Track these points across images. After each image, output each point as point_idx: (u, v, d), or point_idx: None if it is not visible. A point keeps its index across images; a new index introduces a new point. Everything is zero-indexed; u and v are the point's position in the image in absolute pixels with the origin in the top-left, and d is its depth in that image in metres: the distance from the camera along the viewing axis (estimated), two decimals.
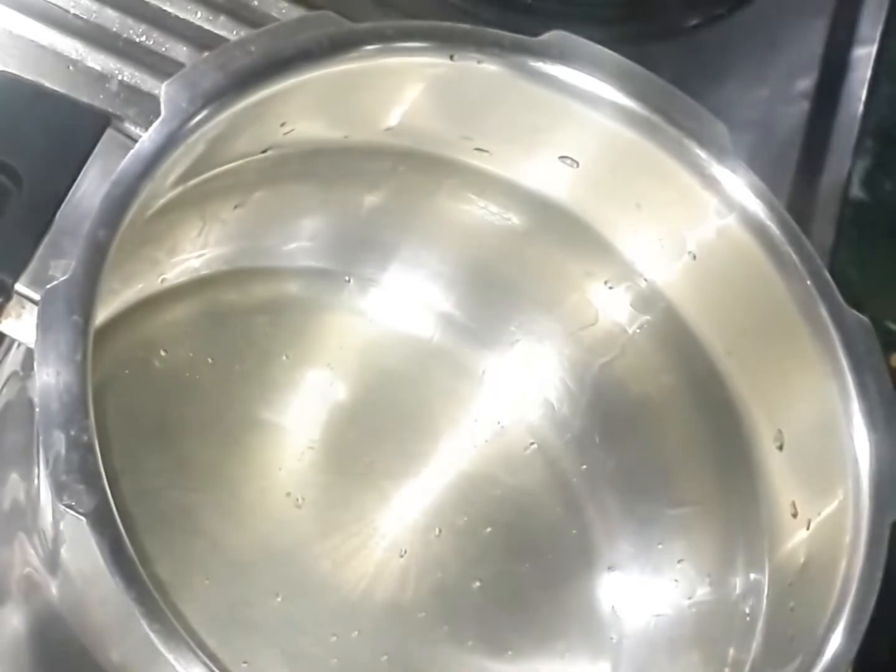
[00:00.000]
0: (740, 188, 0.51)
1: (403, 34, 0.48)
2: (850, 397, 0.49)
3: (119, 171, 0.43)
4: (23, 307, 0.45)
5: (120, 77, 0.60)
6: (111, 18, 0.61)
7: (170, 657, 0.39)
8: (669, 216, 0.53)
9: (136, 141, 0.44)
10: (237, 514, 0.54)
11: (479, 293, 0.59)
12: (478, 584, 0.56)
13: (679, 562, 0.56)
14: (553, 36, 0.50)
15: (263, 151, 0.51)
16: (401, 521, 0.56)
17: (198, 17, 0.62)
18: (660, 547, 0.57)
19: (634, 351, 0.57)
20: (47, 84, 0.57)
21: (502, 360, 0.60)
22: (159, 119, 0.44)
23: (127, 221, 0.42)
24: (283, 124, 0.49)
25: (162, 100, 0.44)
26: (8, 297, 0.44)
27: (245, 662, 0.52)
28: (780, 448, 0.52)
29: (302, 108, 0.49)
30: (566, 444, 0.59)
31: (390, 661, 0.54)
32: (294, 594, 0.53)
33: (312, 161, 0.53)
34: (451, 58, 0.49)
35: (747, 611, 0.52)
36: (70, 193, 0.46)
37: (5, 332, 0.45)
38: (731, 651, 0.52)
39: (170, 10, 0.62)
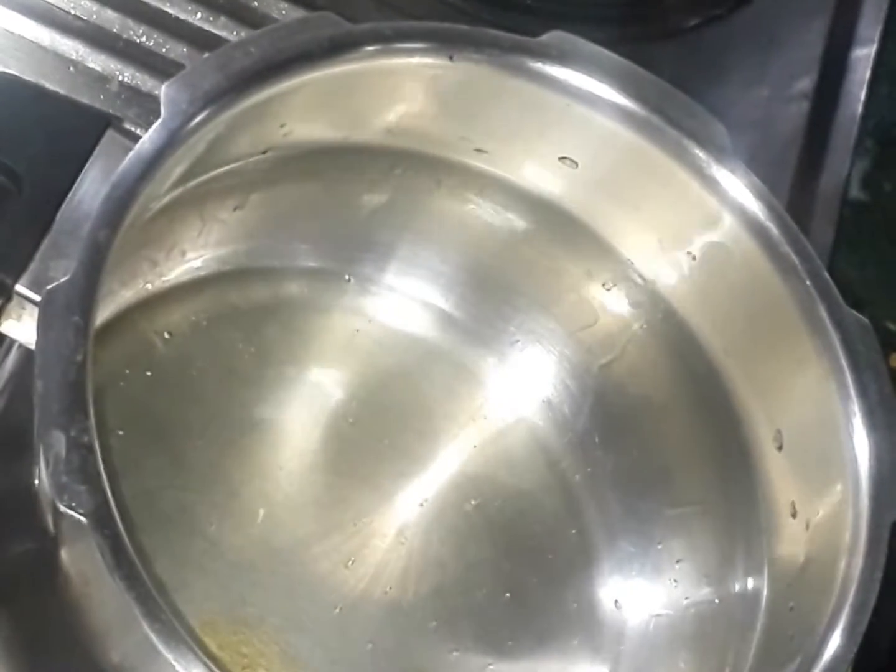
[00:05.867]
0: (740, 188, 0.51)
1: (403, 35, 0.48)
2: (850, 397, 0.49)
3: (119, 172, 0.43)
4: (23, 308, 0.45)
5: (120, 78, 0.60)
6: (111, 19, 0.61)
7: (170, 657, 0.39)
8: (669, 217, 0.53)
9: (136, 142, 0.44)
10: (237, 514, 0.54)
11: (479, 293, 0.59)
12: (478, 583, 0.56)
13: (678, 562, 0.56)
14: (552, 37, 0.50)
15: (263, 152, 0.51)
16: (401, 521, 0.57)
17: (198, 18, 0.62)
18: (659, 547, 0.57)
19: (634, 351, 0.57)
20: (48, 85, 0.57)
21: (502, 360, 0.60)
22: (159, 120, 0.44)
23: (127, 222, 0.42)
24: (282, 125, 0.49)
25: (162, 101, 0.44)
26: (8, 298, 0.45)
27: (244, 661, 0.52)
28: (780, 448, 0.52)
29: (301, 109, 0.49)
30: (566, 444, 0.59)
31: (391, 661, 0.54)
32: (293, 594, 0.53)
33: (312, 162, 0.53)
34: (451, 59, 0.49)
35: (746, 611, 0.52)
36: (70, 194, 0.46)
37: (5, 332, 0.45)
38: (731, 651, 0.52)
39: (170, 10, 0.62)
